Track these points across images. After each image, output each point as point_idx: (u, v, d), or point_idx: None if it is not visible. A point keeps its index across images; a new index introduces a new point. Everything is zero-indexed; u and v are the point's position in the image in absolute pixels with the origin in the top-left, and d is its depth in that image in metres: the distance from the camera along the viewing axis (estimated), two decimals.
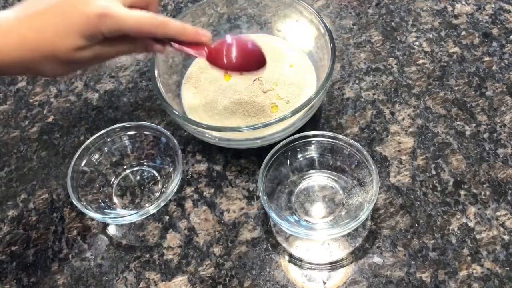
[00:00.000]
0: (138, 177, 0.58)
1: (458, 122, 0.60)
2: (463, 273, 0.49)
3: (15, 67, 0.43)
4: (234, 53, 0.50)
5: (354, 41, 0.69)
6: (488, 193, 0.54)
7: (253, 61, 0.52)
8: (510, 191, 0.54)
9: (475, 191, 0.54)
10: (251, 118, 0.57)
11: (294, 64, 0.62)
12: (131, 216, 0.51)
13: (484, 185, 0.55)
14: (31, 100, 0.67)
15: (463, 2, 0.72)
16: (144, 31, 0.44)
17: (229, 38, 0.51)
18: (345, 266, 0.50)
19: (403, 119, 0.60)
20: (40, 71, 0.44)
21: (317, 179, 0.56)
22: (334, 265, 0.50)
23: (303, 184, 0.55)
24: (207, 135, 0.54)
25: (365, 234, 0.52)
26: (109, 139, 0.57)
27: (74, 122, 0.64)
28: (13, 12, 0.42)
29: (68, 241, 0.54)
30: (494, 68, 0.64)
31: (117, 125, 0.57)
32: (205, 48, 0.49)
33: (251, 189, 0.56)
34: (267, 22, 0.65)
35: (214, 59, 0.50)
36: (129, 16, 0.43)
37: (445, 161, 0.57)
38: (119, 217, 0.52)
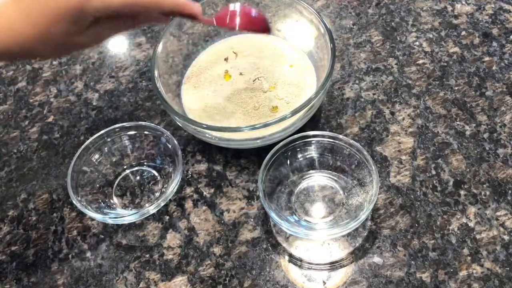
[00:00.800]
0: (138, 177, 0.58)
1: (458, 122, 0.60)
2: (463, 273, 0.49)
3: (8, 52, 0.41)
4: (241, 17, 0.51)
5: (354, 41, 0.69)
6: (488, 193, 0.54)
7: (258, 25, 0.52)
8: (510, 191, 0.54)
9: (475, 191, 0.54)
10: (251, 118, 0.57)
11: (294, 64, 0.62)
12: (131, 216, 0.51)
13: (484, 185, 0.55)
14: (31, 100, 0.67)
15: (463, 2, 0.72)
16: (133, 8, 0.41)
17: (232, 6, 0.51)
18: (345, 266, 0.50)
19: (403, 119, 0.60)
20: (36, 55, 0.42)
21: (317, 179, 0.56)
22: (334, 265, 0.50)
23: (303, 184, 0.55)
24: (207, 135, 0.54)
25: (365, 234, 0.52)
26: (109, 139, 0.57)
27: (74, 122, 0.64)
28: None
29: (68, 241, 0.54)
30: (494, 68, 0.65)
31: (117, 125, 0.57)
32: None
33: (251, 189, 0.56)
34: None
35: (222, 20, 0.50)
36: None
37: (445, 161, 0.57)
38: (119, 217, 0.52)
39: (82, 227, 0.55)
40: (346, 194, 0.54)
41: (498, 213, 0.52)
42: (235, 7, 0.51)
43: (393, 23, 0.71)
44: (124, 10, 0.41)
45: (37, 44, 0.41)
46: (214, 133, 0.53)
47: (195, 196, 0.56)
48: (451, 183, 0.55)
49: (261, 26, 0.53)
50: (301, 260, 0.51)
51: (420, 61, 0.66)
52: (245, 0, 0.64)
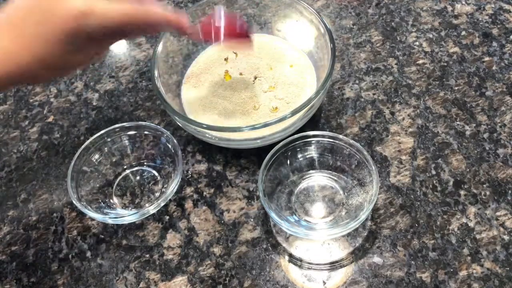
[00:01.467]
0: (138, 177, 0.58)
1: (458, 122, 0.60)
2: (463, 273, 0.49)
3: (8, 78, 0.39)
4: (222, 28, 0.51)
5: (354, 41, 0.69)
6: (488, 193, 0.54)
7: (238, 33, 0.53)
8: (510, 191, 0.54)
9: (475, 191, 0.54)
10: (251, 118, 0.57)
11: (294, 64, 0.62)
12: (131, 216, 0.51)
13: (484, 185, 0.55)
14: (31, 100, 0.67)
15: (463, 2, 0.72)
16: (130, 25, 0.41)
17: (215, 15, 0.51)
18: (345, 266, 0.50)
19: (403, 119, 0.60)
20: (37, 79, 0.42)
21: (317, 179, 0.56)
22: (334, 265, 0.50)
23: (303, 184, 0.55)
24: (207, 135, 0.54)
25: (365, 234, 0.52)
26: (109, 139, 0.57)
27: (74, 122, 0.64)
28: None
29: (68, 241, 0.54)
30: (494, 68, 0.65)
31: (117, 125, 0.57)
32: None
33: (251, 189, 0.56)
34: (267, 22, 0.65)
35: (205, 34, 0.51)
36: (111, 11, 0.39)
37: (445, 161, 0.57)
38: (119, 217, 0.52)
39: (82, 227, 0.55)
40: (346, 194, 0.54)
41: (498, 213, 0.52)
42: (218, 18, 0.51)
43: (393, 23, 0.71)
44: (120, 27, 0.41)
45: (36, 68, 0.40)
46: (214, 133, 0.53)
47: (195, 196, 0.56)
48: (451, 183, 0.55)
49: (244, 35, 0.53)
50: (301, 260, 0.51)
51: (420, 61, 0.66)
52: (246, 0, 0.64)
